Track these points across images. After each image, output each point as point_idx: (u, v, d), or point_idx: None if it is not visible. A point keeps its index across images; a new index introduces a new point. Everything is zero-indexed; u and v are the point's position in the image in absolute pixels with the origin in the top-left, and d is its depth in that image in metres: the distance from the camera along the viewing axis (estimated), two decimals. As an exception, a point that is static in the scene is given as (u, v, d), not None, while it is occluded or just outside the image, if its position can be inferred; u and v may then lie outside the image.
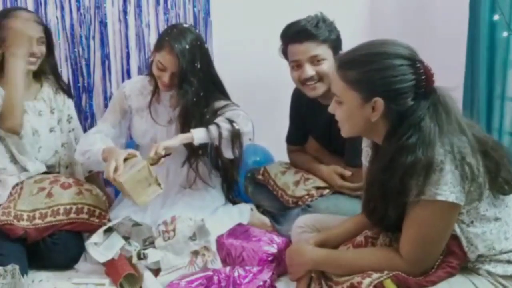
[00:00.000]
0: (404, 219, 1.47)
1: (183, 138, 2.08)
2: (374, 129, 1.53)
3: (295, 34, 2.16)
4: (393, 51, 1.47)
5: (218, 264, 1.96)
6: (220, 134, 2.08)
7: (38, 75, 2.32)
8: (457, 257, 1.48)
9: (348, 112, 1.54)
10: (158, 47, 2.15)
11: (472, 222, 1.47)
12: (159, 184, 1.97)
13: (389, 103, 1.46)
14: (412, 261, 1.45)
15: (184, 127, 2.17)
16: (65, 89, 2.39)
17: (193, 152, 2.21)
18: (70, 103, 2.42)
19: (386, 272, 1.45)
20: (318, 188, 2.26)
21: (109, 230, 2.04)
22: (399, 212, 1.47)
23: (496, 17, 2.32)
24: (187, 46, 2.10)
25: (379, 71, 1.46)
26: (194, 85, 2.12)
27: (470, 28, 2.44)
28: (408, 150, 1.41)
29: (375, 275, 1.45)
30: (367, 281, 1.43)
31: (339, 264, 1.55)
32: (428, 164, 1.39)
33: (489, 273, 1.49)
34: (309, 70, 2.16)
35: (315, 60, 2.15)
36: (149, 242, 2.10)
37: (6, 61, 2.10)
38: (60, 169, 2.36)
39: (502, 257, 1.49)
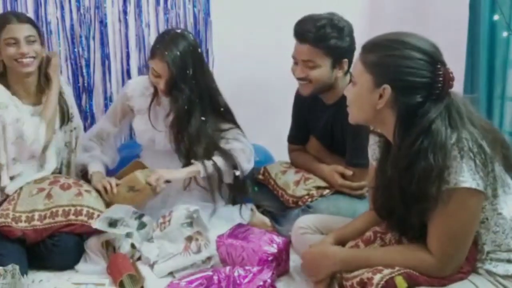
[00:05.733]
0: (429, 217, 1.46)
1: (189, 172, 2.19)
2: (380, 118, 1.52)
3: (297, 32, 2.16)
4: (417, 43, 1.46)
5: (212, 249, 1.99)
6: (220, 177, 2.22)
7: (43, 77, 2.25)
8: (469, 263, 1.49)
9: (358, 94, 1.54)
10: (151, 54, 2.18)
11: (487, 219, 1.47)
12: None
13: (397, 93, 1.46)
14: (443, 258, 1.45)
15: (178, 136, 2.21)
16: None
17: (188, 164, 2.22)
18: (72, 102, 2.40)
19: (397, 268, 1.45)
20: (318, 188, 2.26)
21: (112, 225, 2.05)
22: (422, 218, 1.47)
23: (496, 17, 2.32)
24: (178, 53, 2.11)
25: (396, 58, 1.46)
26: (185, 92, 2.14)
27: (470, 28, 2.45)
28: (421, 155, 1.41)
29: (386, 271, 1.44)
30: (378, 276, 1.43)
31: (368, 265, 1.51)
32: (440, 171, 1.38)
33: (489, 272, 1.49)
34: (300, 72, 2.18)
35: (308, 63, 2.15)
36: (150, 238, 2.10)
37: None
38: (62, 168, 2.35)
39: (503, 255, 1.49)
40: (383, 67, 1.47)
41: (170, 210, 2.09)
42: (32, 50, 2.12)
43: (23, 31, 2.10)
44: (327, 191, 2.25)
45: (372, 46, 1.53)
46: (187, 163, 2.22)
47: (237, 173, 2.21)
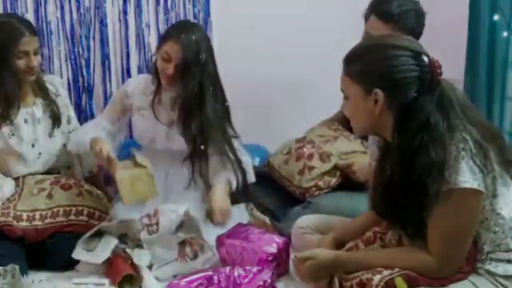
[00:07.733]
0: (428, 217, 1.45)
1: (227, 193, 2.19)
2: (381, 123, 1.52)
3: (383, 12, 2.15)
4: (395, 42, 1.47)
5: (208, 251, 1.98)
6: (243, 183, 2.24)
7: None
8: (469, 263, 1.49)
9: (354, 106, 1.54)
10: (165, 37, 2.18)
11: (486, 219, 1.47)
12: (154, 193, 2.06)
13: (391, 94, 1.45)
14: (442, 258, 1.44)
15: (185, 121, 2.18)
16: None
17: (195, 150, 2.20)
18: (68, 104, 2.40)
19: (397, 269, 1.44)
20: (324, 174, 2.25)
21: (98, 234, 2.03)
22: (422, 214, 1.46)
23: (496, 17, 2.33)
24: (193, 37, 2.12)
25: (378, 61, 1.46)
26: (197, 76, 2.12)
27: (470, 28, 2.45)
28: (421, 151, 1.41)
29: (385, 272, 1.44)
30: (377, 277, 1.43)
31: (368, 267, 1.49)
32: (441, 165, 1.38)
33: (489, 272, 1.49)
34: None
35: None
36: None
37: None
38: (61, 170, 2.35)
39: (503, 255, 1.49)
40: (368, 74, 1.47)
41: (155, 209, 2.05)
42: (38, 61, 2.14)
43: (33, 44, 2.11)
44: (333, 180, 2.25)
45: (352, 57, 1.53)
46: (193, 149, 2.19)
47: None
